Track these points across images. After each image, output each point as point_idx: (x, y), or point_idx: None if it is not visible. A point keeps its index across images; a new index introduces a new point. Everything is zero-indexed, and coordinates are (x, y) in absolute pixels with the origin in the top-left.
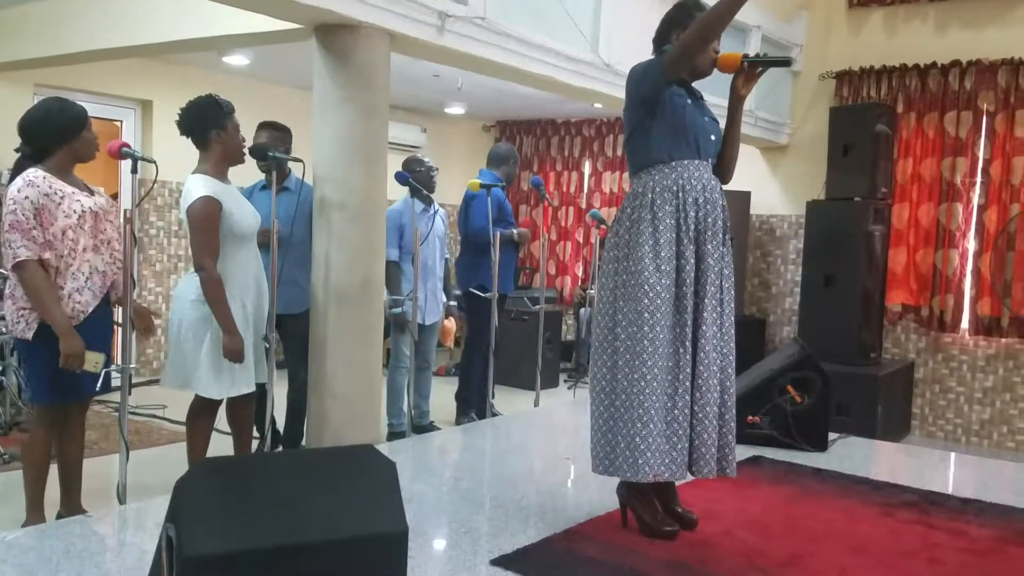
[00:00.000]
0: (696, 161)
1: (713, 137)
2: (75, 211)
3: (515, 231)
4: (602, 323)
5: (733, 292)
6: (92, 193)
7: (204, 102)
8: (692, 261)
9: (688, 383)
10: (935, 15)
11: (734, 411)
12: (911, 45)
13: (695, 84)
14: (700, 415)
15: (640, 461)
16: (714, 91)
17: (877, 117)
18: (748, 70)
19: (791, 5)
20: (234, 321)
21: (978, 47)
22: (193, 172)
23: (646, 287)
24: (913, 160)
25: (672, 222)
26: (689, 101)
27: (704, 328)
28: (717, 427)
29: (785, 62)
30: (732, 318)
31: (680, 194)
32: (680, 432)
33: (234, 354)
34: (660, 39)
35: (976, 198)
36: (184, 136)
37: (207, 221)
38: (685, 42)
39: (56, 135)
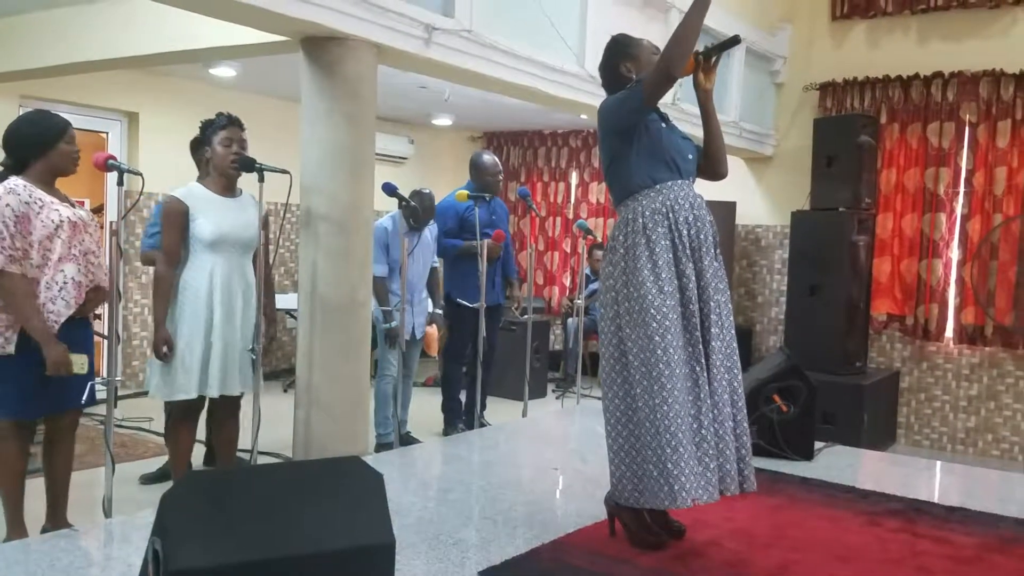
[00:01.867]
0: (679, 181)
1: (690, 156)
2: (53, 221)
3: (470, 244)
4: (609, 353)
5: (730, 304)
6: (72, 206)
7: (204, 122)
8: (693, 279)
9: (709, 401)
10: (917, 27)
11: (746, 424)
12: (894, 57)
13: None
14: (720, 431)
15: (676, 487)
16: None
17: (860, 128)
18: (704, 64)
19: (774, 18)
20: (162, 318)
21: (960, 59)
22: None
23: (652, 311)
24: (897, 170)
25: (667, 243)
26: (663, 124)
27: (714, 344)
28: (734, 441)
29: (734, 41)
30: (733, 330)
31: (671, 215)
32: (710, 452)
33: (155, 348)
34: (611, 77)
35: (959, 208)
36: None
37: (165, 219)
38: (665, 64)
39: (32, 147)
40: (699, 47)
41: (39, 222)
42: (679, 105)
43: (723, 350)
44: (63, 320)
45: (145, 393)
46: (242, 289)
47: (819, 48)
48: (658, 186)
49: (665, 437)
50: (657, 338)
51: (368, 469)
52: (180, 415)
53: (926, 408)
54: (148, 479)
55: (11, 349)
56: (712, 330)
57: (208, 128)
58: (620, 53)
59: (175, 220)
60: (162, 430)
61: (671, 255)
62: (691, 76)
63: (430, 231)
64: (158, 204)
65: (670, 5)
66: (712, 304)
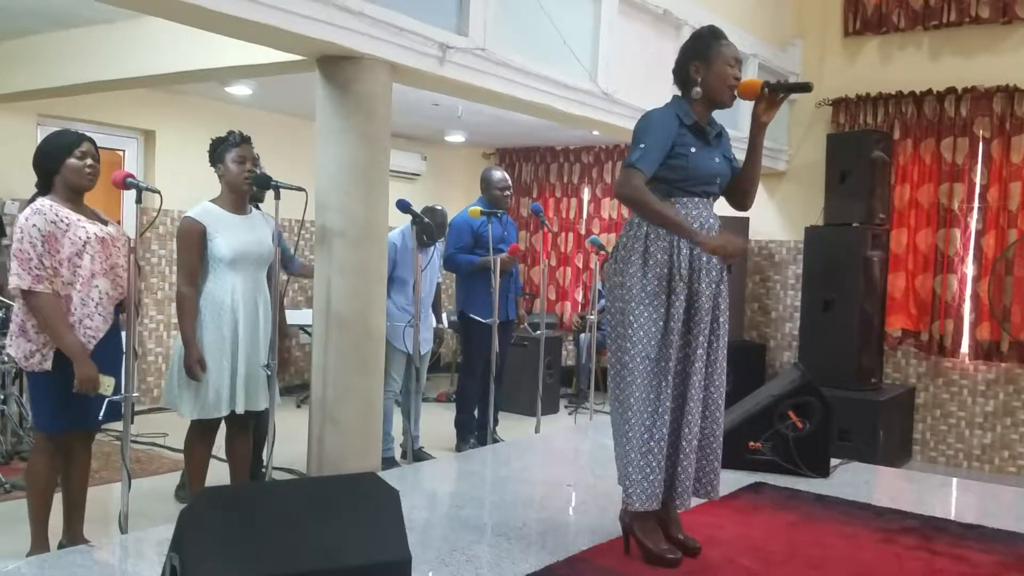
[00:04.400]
0: (696, 199)
1: (719, 180)
2: (80, 237)
3: (486, 259)
4: (608, 346)
5: (727, 327)
6: (106, 223)
7: (215, 140)
8: (682, 298)
9: (666, 416)
10: (930, 43)
11: (716, 440)
12: (906, 72)
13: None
14: (688, 449)
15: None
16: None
17: (874, 143)
18: (768, 97)
19: (787, 34)
20: (192, 337)
21: (972, 74)
22: None
23: (631, 318)
24: (910, 186)
25: (664, 258)
26: (693, 149)
27: (698, 364)
28: (696, 458)
29: (805, 87)
30: (724, 351)
31: None
32: (654, 464)
33: (188, 368)
34: (679, 71)
35: (974, 223)
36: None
37: (182, 240)
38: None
39: (47, 166)
40: (771, 79)
41: (67, 240)
42: None
43: (702, 371)
44: (102, 335)
45: (161, 409)
46: (262, 305)
47: (832, 64)
48: (673, 200)
49: (625, 437)
50: (628, 344)
51: (384, 485)
52: (199, 431)
53: (942, 424)
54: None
55: (48, 366)
56: (700, 351)
57: (220, 146)
58: (696, 51)
59: (194, 240)
60: (176, 445)
61: (665, 271)
62: (751, 103)
63: (437, 248)
64: None
65: (682, 22)
66: (702, 326)
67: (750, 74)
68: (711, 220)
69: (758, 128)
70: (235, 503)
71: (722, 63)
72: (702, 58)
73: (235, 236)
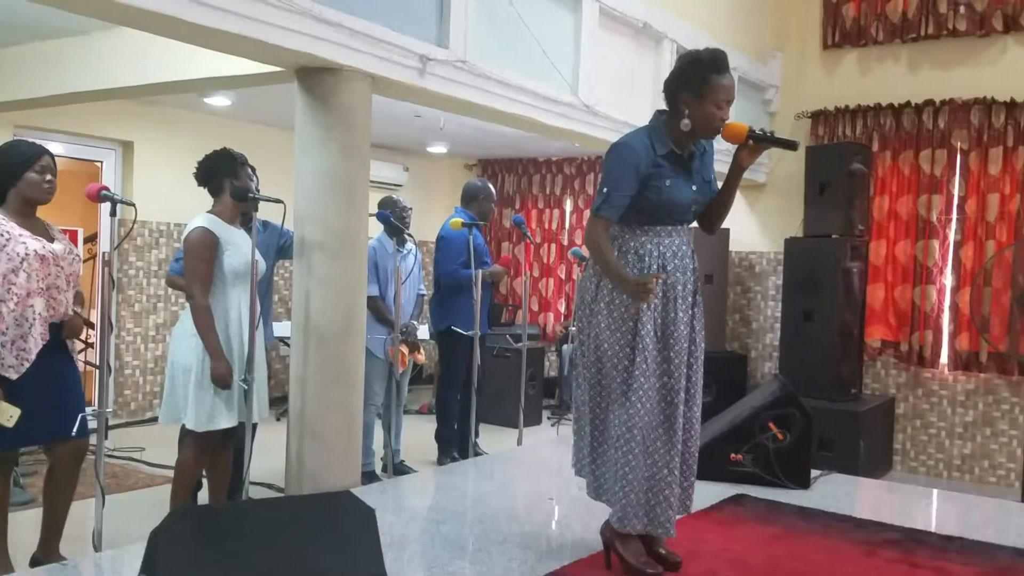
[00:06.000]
0: (668, 228)
1: (694, 208)
2: (19, 254)
3: (488, 270)
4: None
5: (703, 345)
6: (52, 239)
7: (219, 154)
8: (649, 327)
9: (632, 444)
10: (908, 56)
11: (696, 456)
12: (885, 85)
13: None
14: (675, 475)
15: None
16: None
17: (853, 155)
18: (752, 146)
19: (766, 46)
20: (218, 347)
21: (950, 87)
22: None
23: (594, 344)
24: (889, 197)
25: None
26: (667, 182)
27: (682, 394)
28: (679, 481)
29: (791, 145)
30: (701, 370)
31: (647, 259)
32: (634, 485)
33: (220, 378)
34: (668, 97)
35: (952, 235)
36: (200, 186)
37: (196, 251)
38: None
39: (4, 178)
40: (758, 128)
41: (4, 255)
42: None
43: (683, 398)
44: (34, 355)
45: (139, 422)
46: (259, 317)
47: (811, 77)
48: (645, 227)
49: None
50: (582, 367)
51: (360, 504)
52: (200, 445)
53: (922, 435)
54: None
55: None
56: (681, 380)
57: (226, 162)
58: (689, 82)
59: (210, 251)
60: (153, 460)
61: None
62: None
63: (415, 256)
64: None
65: (662, 35)
66: (684, 355)
67: None
68: (684, 247)
69: (737, 172)
70: (207, 523)
71: (711, 104)
72: (693, 93)
73: (241, 249)
